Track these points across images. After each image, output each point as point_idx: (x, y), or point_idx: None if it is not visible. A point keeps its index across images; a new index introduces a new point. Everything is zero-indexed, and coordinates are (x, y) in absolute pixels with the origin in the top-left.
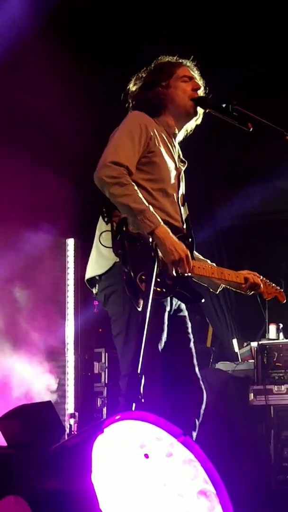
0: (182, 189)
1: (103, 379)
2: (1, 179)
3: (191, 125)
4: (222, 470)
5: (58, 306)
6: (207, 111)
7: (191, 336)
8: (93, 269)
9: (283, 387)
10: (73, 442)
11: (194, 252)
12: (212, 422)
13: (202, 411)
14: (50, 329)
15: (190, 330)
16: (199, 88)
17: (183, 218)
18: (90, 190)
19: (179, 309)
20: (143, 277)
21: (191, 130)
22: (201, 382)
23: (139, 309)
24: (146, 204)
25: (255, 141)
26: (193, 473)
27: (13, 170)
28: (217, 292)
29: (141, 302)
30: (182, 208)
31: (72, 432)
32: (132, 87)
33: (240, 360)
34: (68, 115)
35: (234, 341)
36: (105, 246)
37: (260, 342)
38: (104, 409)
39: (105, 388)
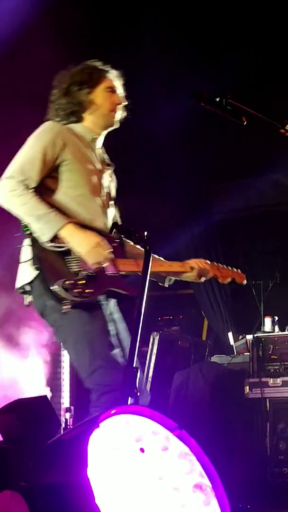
0: (108, 191)
1: None
2: None
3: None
4: (217, 463)
5: None
6: (202, 104)
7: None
8: (20, 280)
9: (279, 380)
10: (69, 436)
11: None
12: (208, 415)
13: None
14: (44, 323)
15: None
16: (120, 103)
17: (108, 221)
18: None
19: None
20: (66, 282)
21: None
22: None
23: (64, 315)
24: (47, 208)
25: (251, 134)
26: (189, 467)
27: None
28: (166, 286)
29: (68, 306)
30: (108, 210)
31: (68, 426)
32: (57, 84)
33: (235, 353)
34: None
35: (230, 334)
36: (24, 262)
37: (255, 335)
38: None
39: None
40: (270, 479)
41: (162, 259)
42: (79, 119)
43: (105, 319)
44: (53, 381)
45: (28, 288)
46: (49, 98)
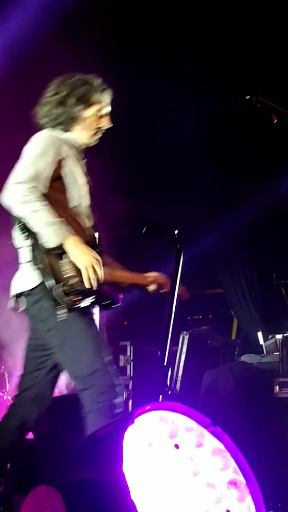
0: (90, 202)
1: (128, 372)
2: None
3: None
4: (248, 462)
5: None
6: (232, 103)
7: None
8: (20, 285)
9: None
10: (104, 432)
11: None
12: (237, 415)
13: None
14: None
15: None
16: (109, 126)
17: (92, 228)
18: (112, 182)
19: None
20: (65, 288)
21: None
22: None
23: (63, 318)
24: (56, 216)
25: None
26: (223, 463)
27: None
28: (123, 292)
29: (65, 312)
30: (91, 220)
31: None
32: (50, 95)
33: (265, 353)
34: None
35: (259, 334)
36: (27, 262)
37: (285, 335)
38: (130, 402)
39: (131, 381)
40: None
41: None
42: (67, 130)
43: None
44: None
45: (27, 293)
46: (41, 99)
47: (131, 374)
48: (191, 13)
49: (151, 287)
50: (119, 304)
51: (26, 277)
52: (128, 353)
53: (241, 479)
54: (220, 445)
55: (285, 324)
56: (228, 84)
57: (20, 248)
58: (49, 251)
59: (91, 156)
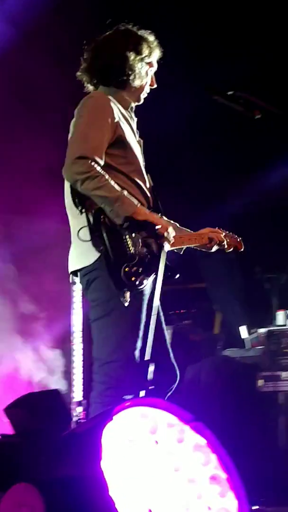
0: (144, 163)
1: None
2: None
3: None
4: (231, 456)
5: (65, 293)
6: (214, 98)
7: (162, 314)
8: (77, 262)
9: None
10: (83, 429)
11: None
12: (221, 409)
13: (174, 386)
14: (56, 316)
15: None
16: (153, 86)
17: (151, 190)
18: None
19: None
20: (126, 269)
21: None
22: (173, 359)
23: (126, 304)
24: (120, 190)
25: (264, 127)
26: (205, 458)
27: (27, 153)
28: (181, 253)
29: (127, 295)
30: (148, 181)
31: (79, 420)
32: (105, 40)
33: (248, 347)
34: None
35: (242, 328)
36: (84, 241)
37: (268, 329)
38: None
39: None
40: (283, 472)
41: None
42: (122, 88)
43: (143, 314)
44: (65, 375)
45: (84, 271)
46: (91, 50)
47: None
48: (179, 6)
49: (209, 245)
50: (176, 277)
51: (83, 255)
52: None
53: (222, 474)
54: (202, 441)
55: (268, 318)
56: (213, 80)
57: (75, 223)
58: (111, 228)
59: None
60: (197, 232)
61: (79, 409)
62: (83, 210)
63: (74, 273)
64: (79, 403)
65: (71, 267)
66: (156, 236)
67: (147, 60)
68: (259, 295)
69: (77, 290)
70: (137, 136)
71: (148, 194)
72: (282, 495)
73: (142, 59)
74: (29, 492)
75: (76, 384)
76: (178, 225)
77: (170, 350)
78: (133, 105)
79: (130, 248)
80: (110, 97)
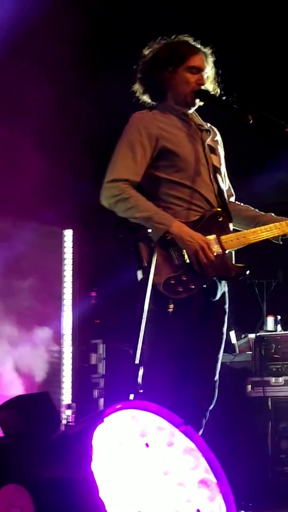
0: (211, 162)
1: (100, 370)
2: None
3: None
4: (220, 460)
5: (54, 297)
6: (207, 103)
7: (225, 326)
8: None
9: (281, 379)
10: (74, 431)
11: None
12: (210, 414)
13: (209, 410)
14: (46, 320)
15: (226, 319)
16: (203, 83)
17: (217, 192)
18: (89, 180)
19: (217, 303)
20: (171, 281)
21: None
22: (216, 378)
23: (170, 313)
24: (152, 208)
25: (256, 133)
26: (194, 462)
27: (9, 156)
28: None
29: (172, 305)
30: (217, 181)
31: (69, 423)
32: (145, 57)
33: (237, 352)
34: (66, 102)
35: (232, 333)
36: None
37: (258, 334)
38: (101, 400)
39: (102, 379)
40: (272, 478)
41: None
42: (164, 98)
43: (180, 329)
44: (54, 378)
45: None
46: (137, 69)
47: (103, 372)
48: (169, 9)
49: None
50: (247, 273)
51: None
52: (100, 351)
53: (212, 478)
54: (191, 444)
55: (258, 323)
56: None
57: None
58: (151, 244)
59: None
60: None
61: (68, 412)
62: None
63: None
64: (68, 406)
65: None
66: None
67: (174, 67)
68: (249, 301)
69: (67, 293)
70: (201, 132)
71: (211, 197)
72: (270, 500)
73: (166, 67)
74: (19, 494)
75: (65, 387)
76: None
77: (217, 367)
78: (189, 111)
79: (172, 259)
80: (155, 111)
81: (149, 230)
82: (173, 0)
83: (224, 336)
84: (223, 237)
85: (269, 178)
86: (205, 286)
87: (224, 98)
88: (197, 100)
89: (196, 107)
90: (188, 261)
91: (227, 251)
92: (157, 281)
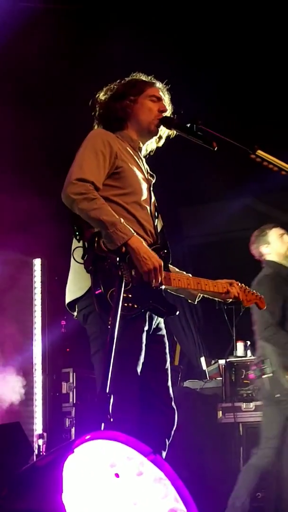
0: (153, 201)
1: (71, 399)
2: None
3: (151, 146)
4: (191, 488)
5: (24, 326)
6: (171, 132)
7: (168, 356)
8: (72, 293)
9: (252, 405)
10: (44, 462)
11: (170, 265)
12: (181, 441)
13: (172, 432)
14: (16, 349)
15: (167, 350)
16: (165, 111)
17: (158, 230)
18: (59, 208)
19: (158, 328)
20: (114, 293)
21: (151, 151)
22: (173, 403)
23: (109, 327)
24: (117, 216)
25: (222, 158)
26: (164, 491)
27: None
28: (195, 303)
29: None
30: (156, 220)
31: (41, 453)
32: (101, 96)
33: (208, 378)
34: (29, 127)
35: (202, 359)
36: (77, 262)
37: (228, 360)
38: (73, 429)
39: (73, 408)
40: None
41: (190, 275)
42: (123, 127)
43: (141, 345)
44: (26, 407)
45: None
46: (93, 109)
47: (74, 401)
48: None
49: (225, 296)
50: (176, 313)
51: (78, 284)
52: (71, 380)
53: (181, 507)
54: (161, 474)
55: (228, 349)
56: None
57: (73, 249)
58: (100, 253)
59: None
60: (214, 280)
61: (40, 442)
62: (81, 237)
63: (71, 306)
64: (40, 436)
65: (68, 298)
66: (141, 271)
67: (134, 96)
68: (219, 326)
69: (37, 322)
70: (147, 174)
71: (151, 231)
72: None
73: (126, 96)
74: None
75: (37, 416)
76: (190, 275)
77: (171, 392)
78: (142, 142)
79: (121, 274)
80: (114, 135)
81: (106, 244)
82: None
83: (168, 360)
84: (172, 274)
85: (236, 204)
86: (145, 310)
87: (188, 125)
88: (160, 128)
89: (157, 136)
90: (132, 278)
91: (163, 287)
92: (105, 291)
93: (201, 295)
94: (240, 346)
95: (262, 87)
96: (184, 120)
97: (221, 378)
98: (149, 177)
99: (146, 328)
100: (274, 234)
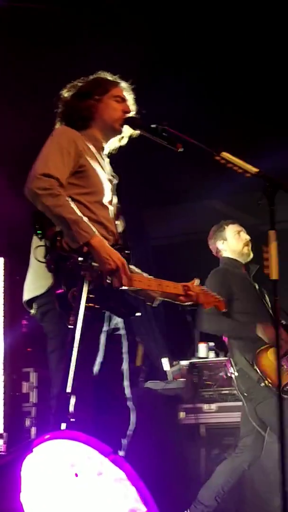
0: (116, 202)
1: (31, 399)
2: None
3: (114, 144)
4: (152, 488)
5: None
6: (134, 132)
7: (125, 356)
8: (31, 291)
9: (213, 406)
10: (2, 461)
11: (131, 266)
12: (142, 441)
13: (130, 432)
14: None
15: (125, 349)
16: (129, 111)
17: (119, 231)
18: (22, 207)
19: (116, 328)
20: (75, 293)
21: (114, 150)
22: (130, 403)
23: (70, 326)
24: (80, 214)
25: (187, 160)
26: (124, 491)
27: None
28: (154, 305)
29: (72, 318)
30: (117, 221)
31: (0, 453)
32: (65, 93)
33: (170, 379)
34: None
35: (164, 360)
36: (39, 261)
37: (190, 361)
38: (33, 429)
39: (34, 408)
40: None
41: (152, 277)
42: (87, 126)
43: (98, 345)
44: None
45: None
46: (57, 106)
47: (34, 401)
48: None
49: (184, 298)
50: (139, 314)
51: (37, 282)
52: (32, 380)
53: (141, 507)
54: (121, 474)
55: (190, 350)
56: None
57: (34, 247)
58: (63, 253)
59: None
60: (175, 282)
61: (0, 442)
62: (43, 235)
63: (29, 303)
64: (0, 436)
65: (26, 295)
66: (103, 270)
67: (99, 96)
68: (181, 328)
69: None
70: (109, 175)
71: (113, 231)
72: None
73: (91, 96)
74: None
75: None
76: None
77: (128, 392)
78: (105, 142)
79: (83, 274)
80: (79, 134)
81: (68, 243)
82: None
83: (126, 361)
84: (134, 275)
85: (201, 206)
86: (105, 310)
87: (153, 126)
88: (124, 128)
89: (121, 135)
90: (94, 278)
91: (125, 287)
92: (66, 290)
93: (160, 298)
94: (202, 347)
95: (229, 90)
96: (149, 120)
97: (183, 379)
98: (112, 178)
99: (105, 328)
100: (231, 230)
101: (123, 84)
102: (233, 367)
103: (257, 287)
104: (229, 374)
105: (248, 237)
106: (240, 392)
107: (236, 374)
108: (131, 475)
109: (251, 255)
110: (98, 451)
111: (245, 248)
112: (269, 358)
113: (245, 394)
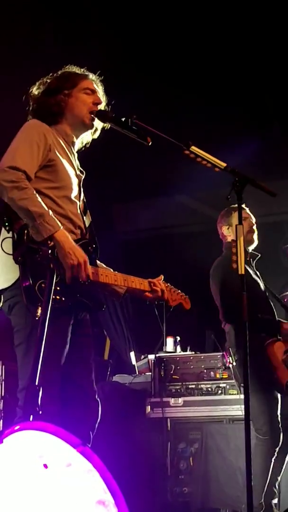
0: (83, 197)
1: None
2: None
3: (87, 138)
4: (119, 480)
5: None
6: (106, 124)
7: (92, 349)
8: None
9: (180, 400)
10: None
11: (98, 261)
12: (109, 435)
13: (96, 424)
14: None
15: (92, 343)
16: (99, 103)
17: (86, 225)
18: None
19: (83, 321)
20: (43, 285)
21: (87, 143)
22: (97, 396)
23: (37, 318)
24: (46, 208)
25: (156, 155)
26: (92, 483)
27: None
28: (119, 301)
29: (39, 311)
30: (84, 215)
31: None
32: (35, 90)
33: (137, 373)
34: None
35: (131, 354)
36: (6, 253)
37: (157, 355)
38: (0, 422)
39: (1, 401)
40: (171, 498)
41: (117, 273)
42: (58, 121)
43: (66, 339)
44: None
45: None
46: (28, 101)
47: (2, 394)
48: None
49: (149, 295)
50: (103, 308)
51: (5, 275)
52: None
53: (109, 498)
54: (89, 465)
55: (157, 344)
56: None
57: (1, 239)
58: (32, 245)
59: None
60: (141, 278)
61: None
62: (10, 228)
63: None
64: None
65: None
66: (64, 264)
67: (69, 89)
68: (148, 322)
69: None
70: (77, 171)
71: (80, 226)
72: None
73: (60, 90)
74: None
75: None
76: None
77: (95, 385)
78: (76, 136)
79: (52, 267)
80: (49, 128)
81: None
82: None
83: (93, 354)
84: (100, 269)
85: (170, 201)
86: (72, 303)
87: (123, 119)
88: (95, 122)
89: (93, 129)
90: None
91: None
92: (33, 283)
93: (126, 294)
94: (170, 341)
95: (197, 84)
96: (118, 113)
97: (150, 373)
98: (80, 173)
99: (71, 321)
100: (237, 216)
101: (92, 76)
102: (231, 356)
103: (258, 274)
104: (227, 364)
105: (253, 224)
106: (237, 382)
107: (234, 363)
108: (99, 467)
109: (255, 242)
110: (67, 442)
111: (249, 235)
112: (274, 351)
113: (242, 384)
